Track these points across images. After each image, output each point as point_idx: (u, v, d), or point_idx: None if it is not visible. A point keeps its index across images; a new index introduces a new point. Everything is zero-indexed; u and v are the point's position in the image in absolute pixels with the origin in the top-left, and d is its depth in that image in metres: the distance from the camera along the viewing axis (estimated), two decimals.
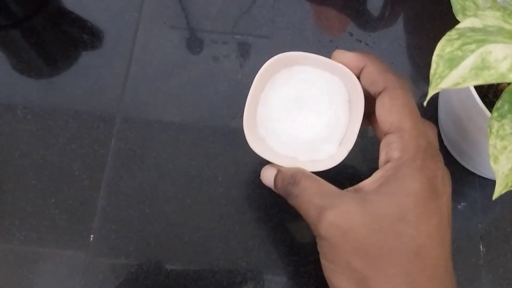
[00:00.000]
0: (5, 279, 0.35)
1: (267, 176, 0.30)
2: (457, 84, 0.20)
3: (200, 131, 0.40)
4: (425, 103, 0.21)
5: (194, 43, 0.44)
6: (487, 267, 0.36)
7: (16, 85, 0.41)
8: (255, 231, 0.36)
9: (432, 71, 0.21)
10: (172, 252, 0.36)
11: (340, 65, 0.29)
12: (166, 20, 0.44)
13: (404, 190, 0.25)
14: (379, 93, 0.27)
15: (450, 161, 0.39)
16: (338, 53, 0.29)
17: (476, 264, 0.36)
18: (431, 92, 0.21)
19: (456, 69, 0.21)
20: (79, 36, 0.43)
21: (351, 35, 0.44)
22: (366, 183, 0.27)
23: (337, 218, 0.25)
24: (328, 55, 0.29)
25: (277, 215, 0.37)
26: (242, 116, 0.35)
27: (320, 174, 0.29)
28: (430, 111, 0.40)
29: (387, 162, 0.26)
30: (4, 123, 0.39)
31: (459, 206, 0.38)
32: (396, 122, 0.26)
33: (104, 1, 0.45)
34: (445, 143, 0.38)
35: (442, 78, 0.21)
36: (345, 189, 0.27)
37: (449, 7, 0.29)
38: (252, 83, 0.30)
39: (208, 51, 0.43)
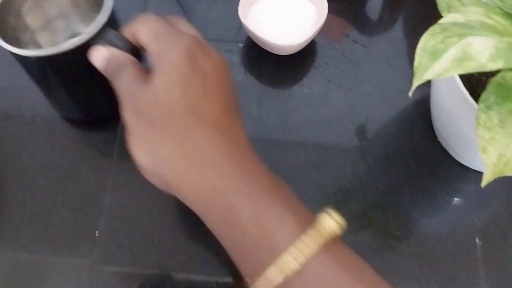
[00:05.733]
0: (15, 277, 0.36)
1: (98, 56, 0.32)
2: (440, 74, 0.22)
3: None
4: (410, 93, 0.22)
5: None
6: (484, 261, 0.37)
7: (24, 89, 0.42)
8: None
9: (416, 63, 0.23)
10: (176, 247, 0.37)
11: None
12: None
13: (168, 63, 0.29)
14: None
15: (446, 157, 0.40)
16: None
17: (473, 258, 0.37)
18: (415, 83, 0.22)
19: (438, 61, 0.22)
20: None
21: (347, 36, 0.45)
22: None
23: (136, 103, 0.29)
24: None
25: None
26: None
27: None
28: (423, 110, 0.42)
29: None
30: (13, 126, 0.41)
31: (455, 202, 0.39)
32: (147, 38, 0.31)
33: None
34: (439, 139, 0.39)
35: (426, 69, 0.22)
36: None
37: None
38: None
39: None
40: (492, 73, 0.31)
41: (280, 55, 0.44)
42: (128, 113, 0.29)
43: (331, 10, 0.42)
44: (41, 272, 0.36)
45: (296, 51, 0.43)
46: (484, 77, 0.32)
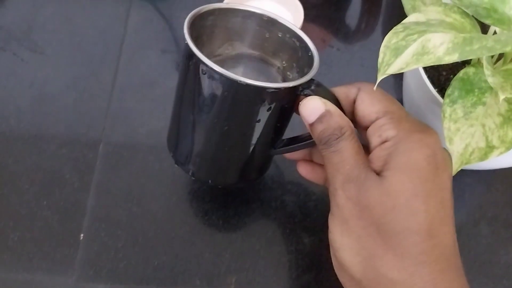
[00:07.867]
0: (2, 278, 0.36)
1: (312, 109, 0.27)
2: (401, 69, 0.23)
3: None
4: (374, 88, 0.24)
5: (177, 55, 0.46)
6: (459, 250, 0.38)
7: (9, 97, 0.43)
8: (238, 224, 0.39)
9: (379, 60, 0.24)
10: (159, 247, 0.38)
11: None
12: (150, 33, 0.47)
13: (411, 164, 0.25)
14: (356, 97, 0.29)
15: None
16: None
17: None
18: (379, 78, 0.24)
19: (400, 56, 0.24)
20: None
21: (332, 47, 0.47)
22: (371, 163, 0.27)
23: (358, 192, 0.25)
24: None
25: (259, 208, 0.39)
26: None
27: None
28: None
29: (383, 142, 0.26)
30: None
31: None
32: (381, 108, 0.27)
33: (92, 18, 0.48)
34: None
35: (388, 65, 0.24)
36: None
37: None
38: None
39: None
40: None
41: None
42: (344, 199, 0.25)
43: (311, 21, 0.43)
44: (26, 273, 0.36)
45: None
46: (452, 76, 0.33)
